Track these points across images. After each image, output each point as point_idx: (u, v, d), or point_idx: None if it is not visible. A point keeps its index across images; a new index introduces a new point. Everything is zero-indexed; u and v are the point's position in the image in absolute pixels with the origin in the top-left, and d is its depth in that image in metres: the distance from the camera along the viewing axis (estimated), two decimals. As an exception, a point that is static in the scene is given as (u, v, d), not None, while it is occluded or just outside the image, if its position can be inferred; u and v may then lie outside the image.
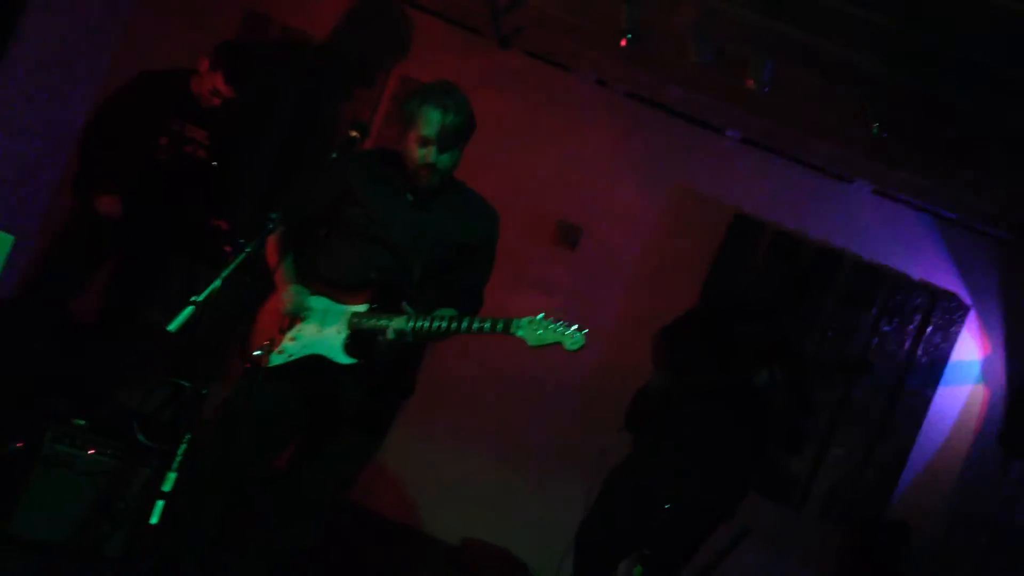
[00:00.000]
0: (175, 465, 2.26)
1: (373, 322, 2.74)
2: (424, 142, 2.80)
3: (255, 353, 2.81)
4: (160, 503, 2.24)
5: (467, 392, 4.99)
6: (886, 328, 4.89)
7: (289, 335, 2.81)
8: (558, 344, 2.48)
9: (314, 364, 2.79)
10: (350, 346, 2.77)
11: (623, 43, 4.17)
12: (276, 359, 2.78)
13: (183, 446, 2.28)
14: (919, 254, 4.90)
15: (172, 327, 2.24)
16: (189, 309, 2.27)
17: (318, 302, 2.85)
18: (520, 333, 2.51)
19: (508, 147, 5.08)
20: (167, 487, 2.27)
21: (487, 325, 2.56)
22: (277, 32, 5.15)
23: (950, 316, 4.86)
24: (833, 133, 4.62)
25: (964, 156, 4.27)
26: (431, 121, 2.77)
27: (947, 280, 4.88)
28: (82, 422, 3.25)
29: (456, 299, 2.85)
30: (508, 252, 5.06)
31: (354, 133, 2.77)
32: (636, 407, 3.90)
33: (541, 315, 2.51)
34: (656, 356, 3.96)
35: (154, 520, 2.23)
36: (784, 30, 3.80)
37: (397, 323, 2.66)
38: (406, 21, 5.11)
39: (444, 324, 2.62)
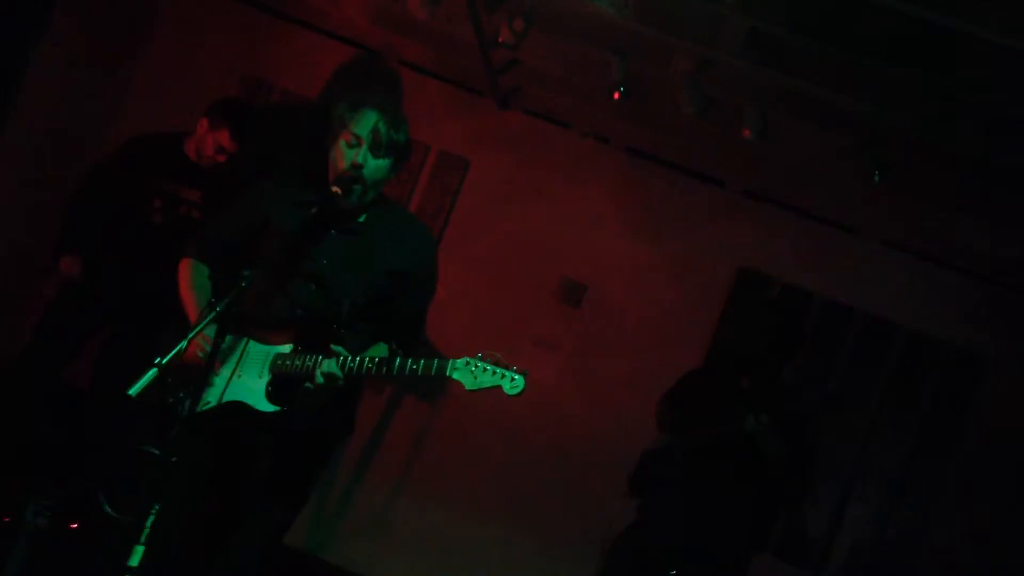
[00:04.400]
0: (143, 538, 2.13)
1: (298, 364, 2.52)
2: (356, 140, 2.62)
3: (170, 401, 2.54)
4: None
5: (470, 457, 4.85)
6: (901, 383, 4.71)
7: (206, 380, 2.51)
8: (498, 388, 2.36)
9: (233, 412, 2.54)
10: (272, 392, 2.54)
11: (616, 96, 4.14)
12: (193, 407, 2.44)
13: (151, 518, 2.16)
14: (933, 307, 4.71)
15: (133, 391, 2.14)
16: (152, 372, 2.16)
17: (238, 343, 2.59)
18: (456, 376, 2.38)
19: (511, 205, 5.06)
20: (134, 562, 2.14)
21: (420, 366, 2.40)
22: (277, 96, 5.18)
23: (968, 371, 4.66)
24: (833, 182, 4.53)
25: (966, 203, 4.16)
26: (365, 121, 2.62)
27: (964, 333, 4.68)
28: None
29: (391, 333, 2.65)
30: (511, 310, 5.08)
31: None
32: (640, 471, 3.76)
33: (479, 355, 2.39)
34: (660, 418, 3.83)
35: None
36: (778, 79, 3.76)
37: (327, 366, 2.45)
38: (405, 83, 5.12)
39: (375, 367, 2.43)
